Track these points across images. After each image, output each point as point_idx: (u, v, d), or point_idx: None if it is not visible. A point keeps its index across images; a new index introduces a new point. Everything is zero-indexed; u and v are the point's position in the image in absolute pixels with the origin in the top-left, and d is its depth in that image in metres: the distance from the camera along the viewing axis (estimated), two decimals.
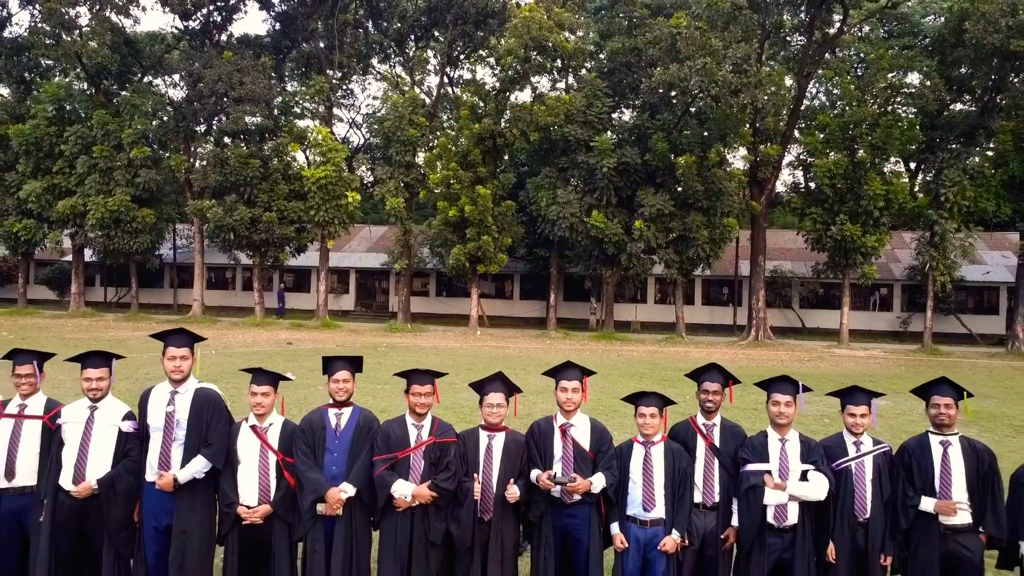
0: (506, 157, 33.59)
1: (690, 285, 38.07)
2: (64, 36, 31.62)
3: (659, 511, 4.67)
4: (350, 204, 31.86)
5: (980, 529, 4.67)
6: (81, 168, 32.64)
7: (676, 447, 4.80)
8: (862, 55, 37.25)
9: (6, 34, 34.98)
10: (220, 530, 4.83)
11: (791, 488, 4.58)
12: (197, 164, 34.17)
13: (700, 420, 4.94)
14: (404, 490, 4.58)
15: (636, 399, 4.90)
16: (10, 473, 4.81)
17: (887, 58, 28.57)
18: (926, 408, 4.87)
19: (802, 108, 32.70)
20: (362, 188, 36.79)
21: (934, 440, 4.77)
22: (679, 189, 28.50)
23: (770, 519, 4.64)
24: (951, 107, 29.72)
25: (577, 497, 4.69)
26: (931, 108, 27.93)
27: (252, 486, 4.70)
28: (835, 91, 31.77)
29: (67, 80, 36.61)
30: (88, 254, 36.86)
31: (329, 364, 4.92)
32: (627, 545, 4.70)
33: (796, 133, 32.64)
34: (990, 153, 28.46)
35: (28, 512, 4.82)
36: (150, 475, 4.75)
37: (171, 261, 41.30)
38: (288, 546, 4.80)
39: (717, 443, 4.85)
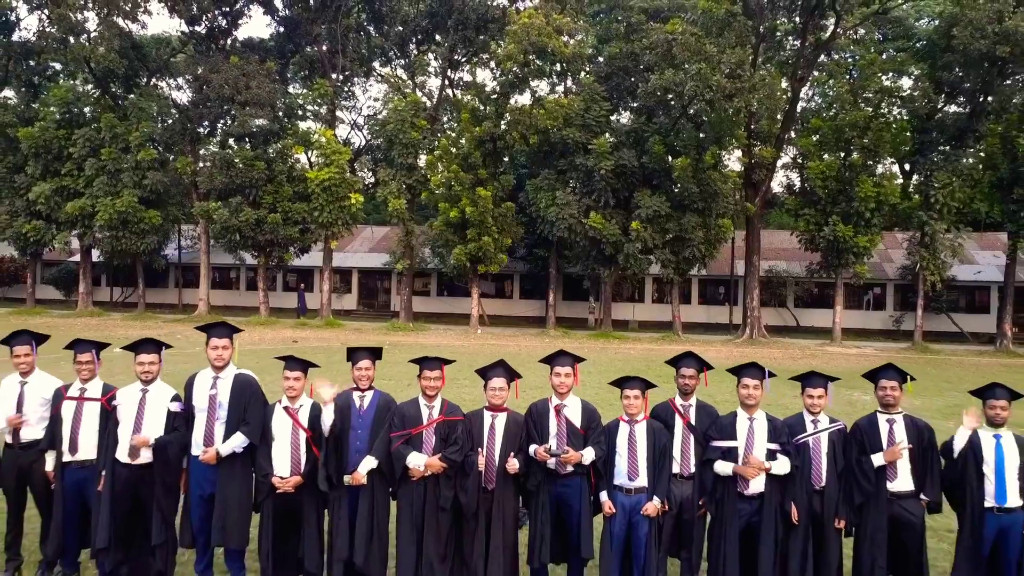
0: (506, 159, 34.19)
1: (687, 285, 38.74)
2: (72, 41, 32.28)
3: (642, 480, 5.33)
4: (353, 206, 32.53)
5: (921, 496, 5.35)
6: (89, 170, 33.30)
7: (657, 425, 5.47)
8: (857, 57, 37.96)
9: (14, 38, 35.69)
10: (256, 498, 5.50)
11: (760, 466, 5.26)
12: (202, 166, 34.81)
13: (678, 401, 5.61)
14: (418, 461, 5.25)
15: (622, 383, 5.57)
16: (73, 448, 5.49)
17: (878, 63, 29.22)
18: (875, 390, 5.54)
19: (797, 110, 33.39)
20: (363, 189, 37.41)
21: (881, 418, 5.44)
22: (675, 191, 29.14)
23: (739, 487, 5.32)
24: (942, 110, 30.36)
25: (570, 468, 5.35)
26: (921, 111, 28.60)
27: (285, 460, 5.37)
28: (829, 94, 32.42)
29: (75, 83, 37.24)
30: (95, 254, 37.51)
31: (353, 354, 5.59)
32: (614, 511, 5.36)
33: (792, 134, 33.35)
34: (980, 155, 29.02)
35: (89, 482, 5.50)
36: (196, 450, 5.42)
37: (176, 261, 42.00)
38: (316, 512, 5.48)
39: (693, 421, 5.52)
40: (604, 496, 5.39)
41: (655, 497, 5.30)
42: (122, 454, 5.39)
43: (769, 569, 5.30)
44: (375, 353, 5.65)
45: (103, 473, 5.41)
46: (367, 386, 5.53)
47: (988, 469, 5.23)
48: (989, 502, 5.21)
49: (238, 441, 5.36)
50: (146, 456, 5.39)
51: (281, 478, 5.34)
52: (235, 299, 42.48)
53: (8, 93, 37.36)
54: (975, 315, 36.77)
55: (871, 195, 27.88)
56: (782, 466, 5.26)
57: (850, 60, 37.62)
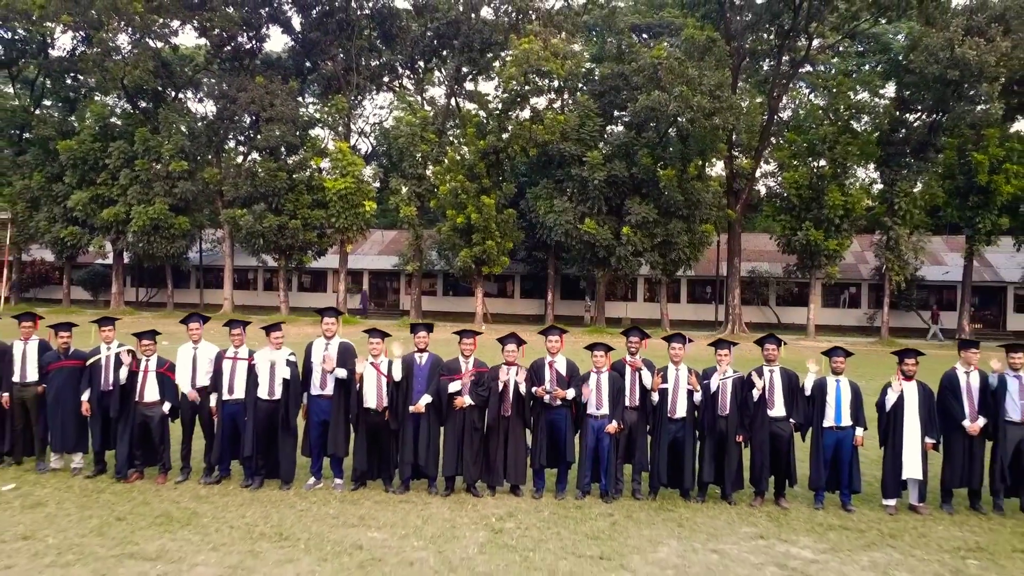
0: (508, 170, 37.01)
1: (676, 285, 41.60)
2: (107, 60, 35.03)
3: (605, 410, 8.11)
4: (367, 212, 35.36)
5: (791, 419, 8.16)
6: (124, 180, 36.07)
7: (614, 374, 8.26)
8: (835, 71, 40.82)
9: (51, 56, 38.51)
10: (354, 422, 8.28)
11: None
12: (226, 176, 37.57)
13: (628, 359, 8.41)
14: (456, 387, 8.04)
15: (592, 347, 8.37)
16: (230, 391, 8.30)
17: (846, 83, 32.06)
18: (761, 351, 8.36)
19: (777, 123, 36.24)
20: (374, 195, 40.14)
21: (765, 369, 8.24)
22: (662, 199, 31.92)
23: (670, 412, 8.14)
24: (905, 125, 33.21)
25: (559, 402, 8.15)
26: (883, 127, 31.42)
27: (372, 396, 8.15)
28: (802, 111, 35.25)
29: (108, 99, 40.04)
30: (125, 257, 40.27)
31: (415, 328, 8.39)
32: (586, 432, 8.16)
33: (777, 140, 36.10)
34: (939, 167, 31.81)
35: (239, 414, 8.30)
36: (315, 391, 8.22)
37: (197, 264, 44.79)
38: (391, 431, 8.27)
39: (637, 364, 8.31)
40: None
41: (613, 420, 8.10)
42: (263, 394, 8.19)
43: (689, 468, 8.14)
44: (429, 327, 8.46)
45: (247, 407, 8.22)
46: (423, 348, 8.33)
47: (830, 400, 8.05)
48: (830, 423, 8.03)
49: (342, 373, 8.12)
50: (277, 394, 8.20)
51: (368, 409, 8.14)
52: (254, 299, 45.30)
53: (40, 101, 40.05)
54: (943, 312, 39.56)
55: (839, 203, 30.70)
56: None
57: (831, 71, 40.50)
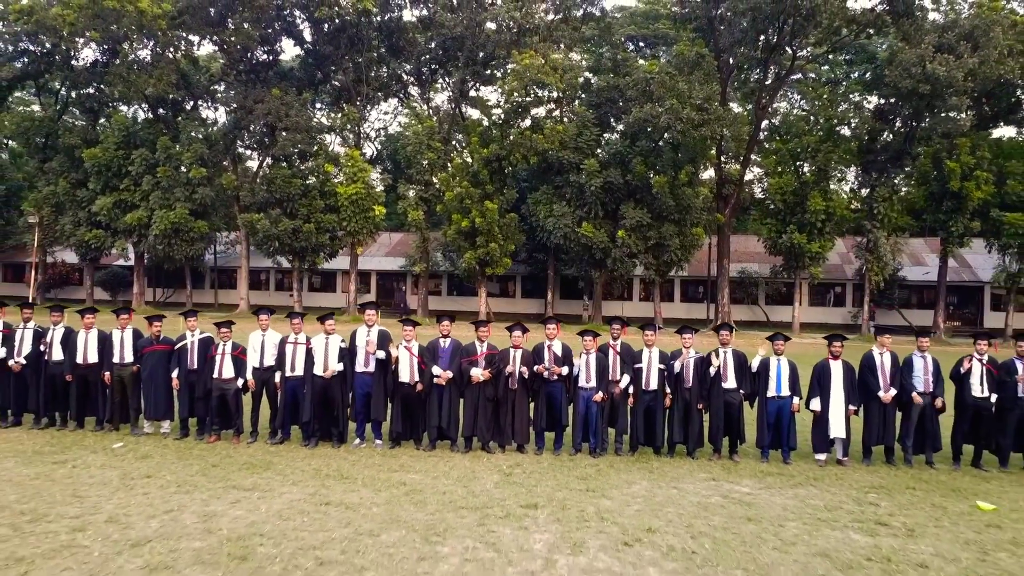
0: (510, 176, 39.07)
1: (670, 285, 43.68)
2: (127, 72, 37.04)
3: (593, 383, 10.12)
4: (376, 216, 37.40)
5: (741, 390, 10.18)
6: (146, 186, 38.13)
7: (600, 355, 10.29)
8: (824, 79, 42.89)
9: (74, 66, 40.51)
10: (391, 393, 10.30)
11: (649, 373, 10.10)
12: (240, 181, 39.61)
13: (611, 342, 10.44)
14: (476, 372, 10.07)
15: (583, 333, 10.39)
16: (292, 369, 10.31)
17: (829, 94, 34.10)
18: (717, 336, 10.39)
19: (767, 127, 38.29)
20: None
21: (721, 351, 10.27)
22: (655, 204, 33.97)
23: (644, 385, 10.16)
24: (883, 135, 35.27)
25: (556, 377, 10.16)
26: (862, 136, 33.47)
27: (406, 372, 10.16)
28: (788, 119, 37.28)
29: (129, 108, 42.10)
30: (144, 259, 42.31)
31: (441, 317, 10.42)
32: (578, 402, 10.18)
33: (768, 145, 38.13)
34: (914, 174, 33.88)
35: (299, 388, 10.31)
36: (359, 368, 10.24)
37: (212, 265, 46.83)
38: (422, 400, 10.29)
39: (619, 351, 10.33)
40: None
41: (599, 391, 10.11)
42: (319, 371, 10.21)
43: (660, 430, 10.16)
44: (452, 318, 10.49)
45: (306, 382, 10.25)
46: (447, 335, 10.35)
47: (772, 375, 10.07)
48: (771, 393, 10.06)
49: (382, 354, 10.14)
50: (331, 370, 10.22)
51: (403, 383, 10.16)
52: (266, 299, 47.18)
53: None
54: (923, 310, 41.58)
55: (821, 208, 32.74)
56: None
57: (821, 79, 42.51)
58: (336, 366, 10.21)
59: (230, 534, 6.65)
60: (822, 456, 10.11)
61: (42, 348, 10.93)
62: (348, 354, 10.37)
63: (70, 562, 5.94)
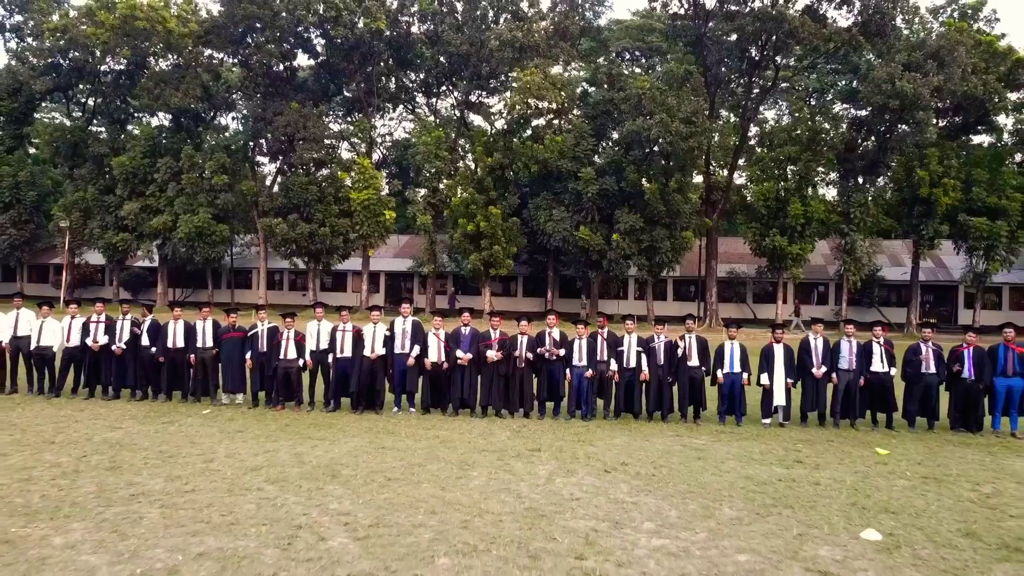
0: (512, 183, 41.63)
1: (663, 284, 46.23)
2: (159, 89, 39.62)
3: (584, 361, 12.67)
4: (387, 220, 39.96)
5: (702, 367, 12.73)
6: (170, 192, 40.68)
7: (591, 339, 12.83)
8: (811, 88, 45.44)
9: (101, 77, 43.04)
10: (422, 371, 12.84)
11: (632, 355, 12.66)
12: (259, 187, 42.16)
13: (599, 330, 12.98)
14: (491, 353, 12.62)
15: (575, 322, 12.94)
16: (342, 351, 12.85)
17: (809, 109, 36.67)
18: (685, 325, 12.93)
19: (758, 133, 40.82)
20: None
21: (688, 336, 12.81)
22: (647, 209, 36.51)
23: (625, 363, 12.71)
24: (860, 143, 37.86)
25: (555, 357, 12.70)
26: (839, 146, 36.05)
27: (434, 353, 12.71)
28: (770, 130, 39.83)
29: (154, 119, 44.67)
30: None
31: (462, 311, 12.97)
32: (571, 377, 12.73)
33: (759, 149, 40.66)
34: (888, 181, 36.46)
35: (348, 367, 12.84)
36: (397, 349, 12.78)
37: (229, 266, 49.37)
38: (447, 376, 12.83)
39: (605, 337, 12.88)
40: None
41: (590, 369, 12.64)
42: (366, 353, 12.75)
43: (639, 401, 12.71)
44: (471, 310, 13.04)
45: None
46: (466, 324, 12.89)
47: (727, 356, 12.62)
48: (727, 369, 12.60)
49: (416, 351, 12.69)
50: (378, 352, 12.76)
51: (433, 362, 12.69)
52: (281, 298, 49.80)
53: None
54: (901, 308, 44.18)
55: (800, 213, 35.30)
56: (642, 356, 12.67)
57: (809, 88, 44.97)
58: (380, 349, 12.75)
59: (318, 464, 9.20)
60: (767, 420, 12.66)
61: (137, 334, 13.47)
62: (389, 340, 12.92)
63: (214, 478, 8.48)
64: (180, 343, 13.33)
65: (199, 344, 13.27)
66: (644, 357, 12.78)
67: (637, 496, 8.10)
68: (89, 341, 13.45)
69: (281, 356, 12.87)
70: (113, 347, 13.43)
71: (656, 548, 6.48)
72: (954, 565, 6.30)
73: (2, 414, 11.99)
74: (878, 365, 12.52)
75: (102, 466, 8.86)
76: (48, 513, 7.02)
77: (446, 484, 8.40)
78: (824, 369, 12.63)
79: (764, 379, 12.65)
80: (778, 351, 12.71)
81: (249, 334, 13.14)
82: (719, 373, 12.73)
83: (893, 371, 12.60)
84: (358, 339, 12.83)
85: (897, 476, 9.42)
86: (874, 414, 12.77)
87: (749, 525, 7.20)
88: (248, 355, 13.03)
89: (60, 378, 13.69)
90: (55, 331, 13.69)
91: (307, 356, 13.00)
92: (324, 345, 13.03)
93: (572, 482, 8.65)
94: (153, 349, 13.37)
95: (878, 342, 12.69)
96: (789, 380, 12.62)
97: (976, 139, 45.00)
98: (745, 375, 12.68)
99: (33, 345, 13.60)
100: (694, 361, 12.73)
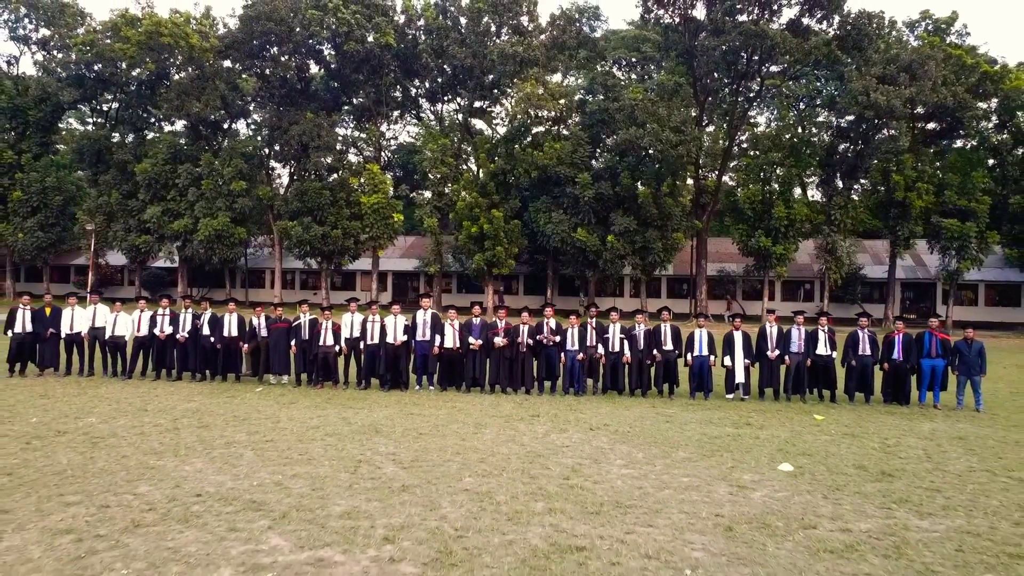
0: (513, 187, 44.01)
1: (657, 282, 48.61)
2: (180, 99, 42.00)
3: (576, 346, 15.06)
4: (396, 222, 42.36)
5: (675, 351, 15.13)
6: (191, 196, 43.08)
7: (582, 328, 15.22)
8: (800, 93, 47.77)
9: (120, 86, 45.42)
10: (439, 355, 15.25)
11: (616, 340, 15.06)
12: (275, 192, 44.52)
13: (589, 320, 15.38)
14: (498, 340, 15.02)
15: (567, 314, 15.33)
16: (371, 339, 15.27)
17: (792, 116, 39.05)
18: (659, 315, 15.33)
19: (748, 137, 43.18)
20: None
21: (663, 325, 15.21)
22: (641, 212, 38.87)
23: (610, 348, 15.12)
24: (840, 149, 40.22)
25: (551, 343, 15.09)
26: (821, 152, 38.41)
27: (450, 340, 15.11)
28: (761, 132, 42.20)
29: (174, 126, 47.13)
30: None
31: (474, 304, 15.36)
32: (565, 360, 15.13)
33: (751, 155, 43.05)
34: (866, 184, 38.83)
35: (376, 351, 15.25)
36: (418, 336, 15.19)
37: (244, 266, 51.79)
38: (461, 359, 15.23)
39: (594, 326, 15.28)
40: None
41: (581, 352, 15.03)
42: (389, 339, 15.14)
43: (622, 379, 15.12)
44: (481, 304, 15.45)
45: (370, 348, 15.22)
46: (478, 315, 15.29)
47: (696, 340, 15.02)
48: (696, 353, 15.00)
49: (438, 340, 15.07)
50: (400, 339, 15.16)
51: (447, 348, 15.09)
52: (292, 296, 52.23)
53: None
54: (882, 304, 46.54)
55: (784, 215, 37.68)
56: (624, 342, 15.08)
57: (797, 95, 47.24)
58: (402, 337, 15.16)
59: (362, 424, 11.61)
60: (730, 395, 15.06)
61: (198, 326, 15.88)
62: (411, 329, 15.32)
63: (284, 433, 10.87)
64: (235, 332, 15.73)
65: (259, 335, 15.67)
66: (627, 343, 15.16)
67: (613, 445, 10.50)
68: (156, 331, 15.84)
69: (321, 343, 15.26)
70: (177, 336, 15.83)
71: (623, 475, 8.88)
72: (837, 483, 8.70)
73: (92, 390, 14.41)
74: (823, 349, 14.91)
75: (193, 425, 11.28)
76: (171, 453, 9.43)
77: (465, 437, 10.80)
78: (778, 352, 15.01)
79: (727, 361, 15.03)
80: (738, 337, 15.11)
81: (293, 325, 15.54)
82: (689, 356, 15.13)
83: (834, 354, 14.99)
84: (384, 329, 15.24)
85: (823, 434, 11.82)
86: (820, 390, 15.16)
87: (696, 462, 9.61)
88: (293, 342, 15.42)
89: (131, 363, 16.08)
90: (127, 323, 16.10)
91: (342, 343, 15.38)
92: (356, 334, 15.43)
93: (564, 436, 11.04)
94: (212, 338, 15.75)
95: (823, 329, 15.08)
96: (747, 361, 15.00)
97: (955, 143, 47.41)
98: (712, 357, 15.07)
99: (108, 335, 15.99)
100: (669, 345, 15.12)
